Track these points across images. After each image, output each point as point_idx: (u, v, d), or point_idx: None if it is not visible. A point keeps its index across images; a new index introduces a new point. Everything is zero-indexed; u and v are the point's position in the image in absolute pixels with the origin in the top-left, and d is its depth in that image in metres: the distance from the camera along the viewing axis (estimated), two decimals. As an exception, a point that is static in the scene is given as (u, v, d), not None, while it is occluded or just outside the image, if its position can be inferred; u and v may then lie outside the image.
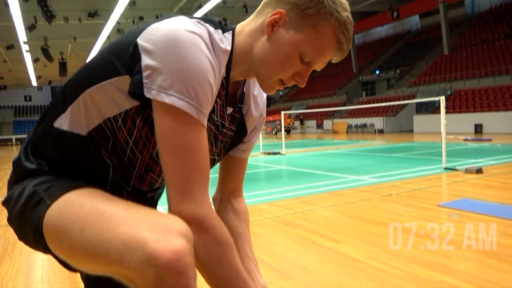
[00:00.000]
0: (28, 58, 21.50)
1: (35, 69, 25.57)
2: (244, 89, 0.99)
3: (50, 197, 0.70)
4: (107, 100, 0.80)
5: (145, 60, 0.73)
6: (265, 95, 1.08)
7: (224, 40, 0.85)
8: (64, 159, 0.81)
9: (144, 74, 0.73)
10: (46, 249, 0.70)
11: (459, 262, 2.50)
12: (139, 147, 0.84)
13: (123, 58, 0.77)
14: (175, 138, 0.72)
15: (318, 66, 0.88)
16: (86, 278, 0.95)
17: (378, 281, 2.26)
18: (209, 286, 0.76)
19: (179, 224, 0.62)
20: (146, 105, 0.77)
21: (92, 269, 0.63)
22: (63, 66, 21.99)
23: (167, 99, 0.72)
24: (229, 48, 0.86)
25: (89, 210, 0.64)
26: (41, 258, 2.94)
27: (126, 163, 0.86)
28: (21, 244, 3.33)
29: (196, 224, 0.72)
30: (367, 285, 2.21)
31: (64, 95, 0.84)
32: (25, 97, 42.49)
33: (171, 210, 0.72)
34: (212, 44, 0.80)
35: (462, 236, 3.03)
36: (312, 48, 0.82)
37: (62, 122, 0.82)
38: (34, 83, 32.85)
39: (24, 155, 0.82)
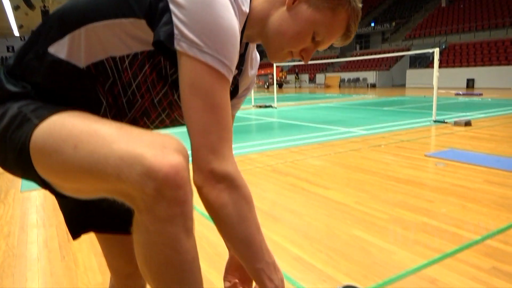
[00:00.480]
0: (7, 5, 20.39)
1: (16, 17, 24.34)
2: (246, 52, 0.98)
3: (38, 117, 0.68)
4: (114, 39, 0.77)
5: (176, 13, 0.71)
6: (258, 57, 1.09)
7: (244, 2, 0.84)
8: (54, 88, 0.78)
9: (176, 26, 0.71)
10: (27, 172, 0.67)
11: (442, 206, 2.60)
12: (142, 91, 0.82)
13: (142, 1, 0.75)
14: (207, 96, 0.72)
15: (323, 47, 0.90)
16: (65, 207, 0.93)
17: (364, 223, 2.36)
18: (230, 242, 0.78)
19: (175, 141, 0.61)
20: (167, 56, 0.75)
21: (85, 189, 0.63)
22: (45, 14, 20.97)
23: (201, 56, 0.71)
24: (247, 10, 0.85)
25: (82, 128, 0.62)
26: (35, 204, 2.98)
27: (123, 104, 0.83)
28: (14, 191, 3.36)
29: (227, 182, 0.73)
30: (353, 227, 2.30)
31: (62, 21, 0.79)
32: (8, 47, 40.89)
33: (201, 169, 0.71)
34: (236, 5, 0.80)
35: (447, 183, 3.13)
36: (325, 30, 0.85)
37: (59, 49, 0.77)
38: (16, 33, 31.43)
39: (6, 78, 0.79)
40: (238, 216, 0.76)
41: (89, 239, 2.21)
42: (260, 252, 0.78)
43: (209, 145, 0.72)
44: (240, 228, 0.76)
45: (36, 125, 0.65)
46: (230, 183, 0.74)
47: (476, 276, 1.70)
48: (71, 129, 0.62)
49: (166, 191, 0.55)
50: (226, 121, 0.75)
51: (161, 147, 0.58)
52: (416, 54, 23.53)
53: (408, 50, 25.02)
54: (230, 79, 0.77)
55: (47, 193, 3.34)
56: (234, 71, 0.78)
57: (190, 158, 0.69)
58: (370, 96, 15.08)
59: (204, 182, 0.72)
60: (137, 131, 0.61)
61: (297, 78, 30.12)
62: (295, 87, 29.58)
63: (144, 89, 0.82)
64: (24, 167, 0.66)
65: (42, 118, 0.67)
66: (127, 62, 0.78)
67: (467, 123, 6.16)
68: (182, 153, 0.60)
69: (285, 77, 29.84)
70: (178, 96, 0.82)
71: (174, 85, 0.83)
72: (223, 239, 0.77)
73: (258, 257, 0.78)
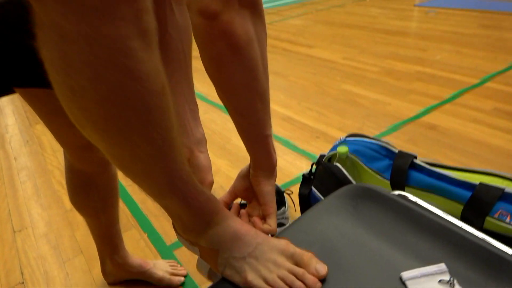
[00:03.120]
0: None
1: None
2: None
3: None
4: None
5: None
6: None
7: None
8: None
9: None
10: None
11: (436, 54, 2.40)
12: None
13: None
14: None
15: None
16: None
17: (354, 77, 2.17)
18: (248, 96, 0.54)
19: None
20: None
21: None
22: None
23: None
24: None
25: None
26: None
27: None
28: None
29: (252, 7, 0.51)
30: (343, 82, 2.11)
31: None
32: None
33: None
34: None
35: (439, 31, 2.88)
36: None
37: None
38: None
39: None
40: (262, 56, 0.53)
41: (53, 121, 1.96)
42: (270, 116, 0.57)
43: None
44: (263, 77, 0.54)
45: None
46: (255, 8, 0.51)
47: (477, 118, 1.59)
48: None
49: None
50: None
51: None
52: None
53: None
54: None
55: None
56: None
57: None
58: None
59: (225, 5, 0.47)
60: None
61: None
62: None
63: None
64: None
65: None
66: None
67: (457, -31, 5.62)
68: None
69: None
70: None
71: None
72: (233, 92, 0.52)
73: (269, 121, 0.58)
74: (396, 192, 0.61)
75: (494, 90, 1.82)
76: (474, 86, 1.89)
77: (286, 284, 0.46)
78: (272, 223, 0.55)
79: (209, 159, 0.64)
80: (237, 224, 0.49)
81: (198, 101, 0.68)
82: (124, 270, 0.96)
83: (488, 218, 0.74)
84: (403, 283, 0.47)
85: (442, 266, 0.49)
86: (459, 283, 0.47)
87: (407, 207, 0.56)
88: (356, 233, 0.53)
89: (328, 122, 1.70)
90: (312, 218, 0.57)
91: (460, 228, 0.52)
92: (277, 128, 1.69)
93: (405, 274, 0.48)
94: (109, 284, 1.00)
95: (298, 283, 0.46)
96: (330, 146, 1.02)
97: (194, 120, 0.64)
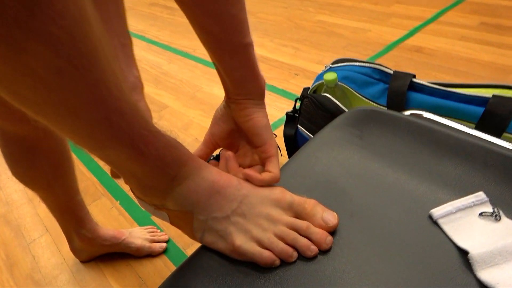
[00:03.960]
0: None
1: None
2: None
3: None
4: None
5: None
6: None
7: None
8: None
9: None
10: None
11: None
12: None
13: None
14: None
15: None
16: None
17: (328, 6, 1.98)
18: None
19: None
20: None
21: None
22: None
23: None
24: None
25: None
26: None
27: None
28: None
29: None
30: (317, 13, 1.93)
31: None
32: None
33: None
34: None
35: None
36: None
37: None
38: None
39: None
40: None
41: None
42: (247, 18, 0.42)
43: None
44: None
45: None
46: None
47: (464, 35, 1.48)
48: None
49: None
50: None
51: None
52: None
53: None
54: None
55: None
56: None
57: None
58: None
59: None
60: None
61: None
62: None
63: None
64: None
65: None
66: None
67: None
68: None
69: None
70: None
71: None
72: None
73: (248, 24, 0.42)
74: (408, 112, 0.49)
75: (479, 4, 1.69)
76: (458, 2, 1.75)
77: (287, 243, 0.35)
78: (273, 168, 0.41)
79: (148, 108, 0.49)
80: (214, 175, 0.36)
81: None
82: (96, 244, 0.84)
83: (505, 134, 0.64)
84: (435, 222, 0.37)
85: (481, 195, 0.38)
86: (506, 213, 0.36)
87: (426, 127, 0.44)
88: (367, 168, 0.42)
89: (306, 57, 1.55)
90: (308, 157, 0.45)
91: (496, 144, 0.41)
92: (251, 69, 1.53)
93: (436, 212, 0.37)
94: (82, 262, 0.89)
95: (303, 240, 0.35)
96: (311, 82, 0.89)
97: (126, 58, 0.47)
